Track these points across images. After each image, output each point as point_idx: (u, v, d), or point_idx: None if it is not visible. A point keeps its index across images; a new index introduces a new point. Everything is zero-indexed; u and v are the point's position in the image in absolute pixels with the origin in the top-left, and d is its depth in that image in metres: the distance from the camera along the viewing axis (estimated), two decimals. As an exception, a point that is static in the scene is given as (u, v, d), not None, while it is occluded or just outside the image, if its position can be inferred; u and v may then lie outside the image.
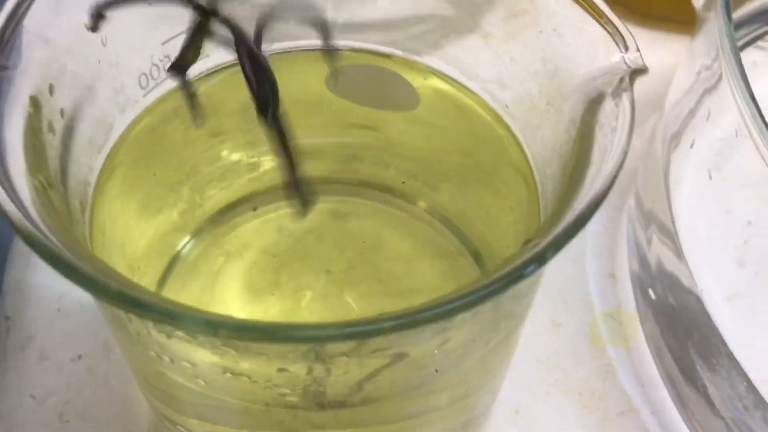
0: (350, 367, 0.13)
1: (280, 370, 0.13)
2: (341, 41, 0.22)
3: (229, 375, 0.14)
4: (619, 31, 0.17)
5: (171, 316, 0.11)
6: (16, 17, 0.15)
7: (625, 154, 0.13)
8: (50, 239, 0.12)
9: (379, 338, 0.12)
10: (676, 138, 0.29)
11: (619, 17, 0.17)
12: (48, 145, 0.15)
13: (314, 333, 0.11)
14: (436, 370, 0.15)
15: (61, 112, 0.16)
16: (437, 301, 0.11)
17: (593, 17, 0.17)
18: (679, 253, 0.25)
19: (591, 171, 0.14)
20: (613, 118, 0.14)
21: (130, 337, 0.15)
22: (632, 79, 0.15)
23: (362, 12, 0.22)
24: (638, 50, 0.16)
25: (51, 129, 0.15)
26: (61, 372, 0.26)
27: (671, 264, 0.26)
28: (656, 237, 0.27)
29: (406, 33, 0.22)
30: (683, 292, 0.26)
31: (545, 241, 0.12)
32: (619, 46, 0.16)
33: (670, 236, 0.26)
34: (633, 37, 0.17)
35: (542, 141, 0.18)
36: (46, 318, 0.27)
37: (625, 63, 0.16)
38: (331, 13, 0.22)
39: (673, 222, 0.26)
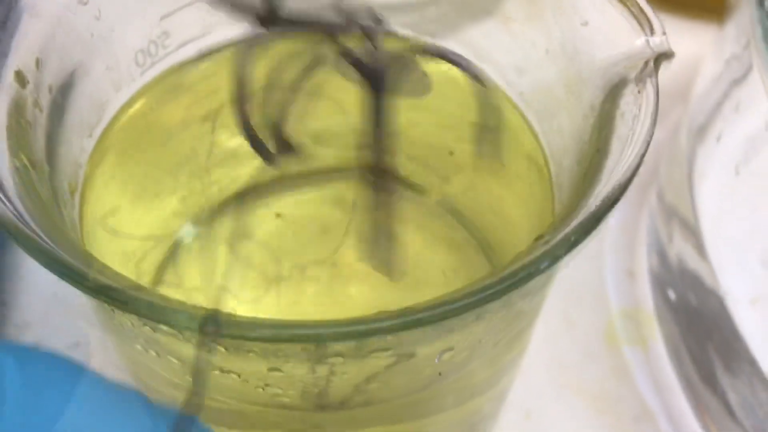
0: (349, 367, 0.13)
1: (272, 369, 0.12)
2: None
3: (217, 372, 0.13)
4: (644, 13, 0.15)
5: (153, 310, 0.10)
6: (1, -14, 0.14)
7: (647, 144, 0.12)
8: (27, 223, 0.11)
9: (379, 338, 0.11)
10: (702, 131, 0.27)
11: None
12: (34, 122, 0.14)
13: (305, 332, 0.10)
14: (440, 373, 0.14)
15: (49, 88, 0.15)
16: (442, 300, 0.11)
17: (617, -2, 0.16)
18: (701, 251, 0.24)
19: (609, 162, 0.13)
20: (635, 105, 0.13)
21: (116, 329, 0.14)
22: (657, 64, 0.14)
23: None
24: (664, 33, 0.15)
25: (37, 105, 0.14)
26: (57, 359, 0.25)
27: (693, 262, 0.25)
28: (678, 233, 0.26)
29: (421, 15, 0.21)
30: (705, 293, 0.25)
31: (557, 238, 0.11)
32: (643, 29, 0.15)
33: (693, 233, 0.25)
34: (659, 19, 0.15)
35: (559, 129, 0.17)
36: (43, 304, 0.26)
37: (650, 47, 0.15)
38: None
39: (696, 218, 0.25)
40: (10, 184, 0.12)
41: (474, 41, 0.20)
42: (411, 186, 0.24)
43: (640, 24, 0.15)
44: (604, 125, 0.14)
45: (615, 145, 0.13)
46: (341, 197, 0.24)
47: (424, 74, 0.21)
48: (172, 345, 0.13)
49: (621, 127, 0.13)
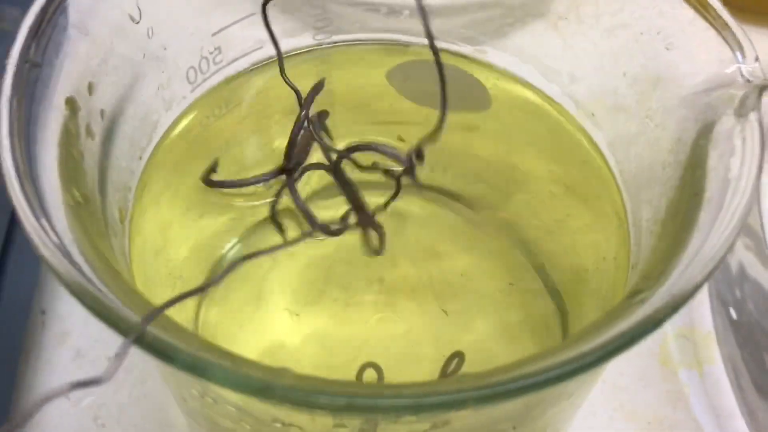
0: (418, 425, 0.12)
1: (337, 425, 0.12)
2: (407, 36, 0.20)
3: (279, 425, 0.12)
4: (735, 36, 0.14)
5: (198, 368, 0.10)
6: (53, 5, 0.13)
7: (755, 192, 0.11)
8: (84, 273, 0.11)
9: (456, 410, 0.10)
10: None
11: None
12: (86, 151, 0.13)
13: (366, 402, 0.10)
14: (514, 428, 0.13)
15: (101, 114, 0.14)
16: (527, 372, 0.10)
17: (706, 20, 0.14)
18: (764, 259, 0.23)
19: (709, 210, 0.11)
20: (736, 143, 0.12)
21: (171, 374, 0.14)
22: (760, 96, 0.13)
23: None
24: (757, 60, 0.14)
25: (90, 133, 0.14)
26: (97, 371, 0.24)
27: (755, 270, 0.24)
28: (740, 240, 0.25)
29: (470, 20, 0.20)
30: (765, 301, 0.23)
31: (659, 299, 0.10)
32: (734, 53, 0.14)
33: (757, 240, 0.24)
34: (752, 44, 0.14)
35: (636, 159, 0.16)
36: (83, 313, 0.25)
37: (742, 75, 0.14)
38: None
39: (762, 225, 0.24)
40: (63, 225, 0.11)
41: (537, 56, 0.19)
42: (462, 200, 0.23)
43: (731, 47, 0.14)
44: (697, 164, 0.13)
45: (712, 189, 0.12)
46: (388, 212, 0.23)
47: (485, 89, 0.20)
48: (229, 394, 0.12)
49: (718, 168, 0.12)
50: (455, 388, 0.10)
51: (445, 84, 0.12)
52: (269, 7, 0.18)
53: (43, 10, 0.13)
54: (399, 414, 0.10)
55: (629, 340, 0.10)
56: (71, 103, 0.13)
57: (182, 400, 0.15)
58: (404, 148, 0.20)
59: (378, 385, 0.10)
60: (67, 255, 0.11)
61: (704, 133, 0.13)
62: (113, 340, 0.26)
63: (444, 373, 0.19)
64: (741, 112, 0.12)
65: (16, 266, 0.23)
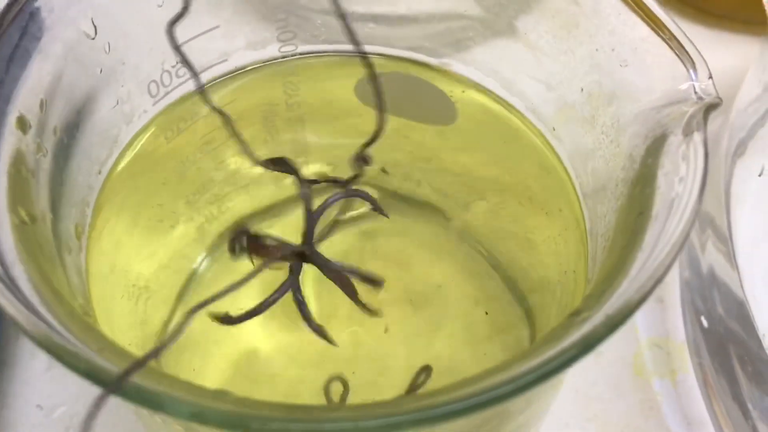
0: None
1: None
2: (372, 46, 0.20)
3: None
4: (688, 54, 0.14)
5: (152, 402, 0.10)
6: (3, 24, 0.13)
7: (695, 213, 0.11)
8: (29, 304, 0.11)
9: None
10: (742, 145, 0.26)
11: (681, 15, 0.15)
12: (37, 169, 0.13)
13: (300, 427, 0.10)
14: None
15: (54, 130, 0.14)
16: (475, 389, 0.10)
17: (660, 36, 0.14)
18: (732, 261, 0.23)
19: (653, 229, 0.12)
20: (681, 163, 0.12)
21: (150, 421, 0.13)
22: (706, 116, 0.13)
23: (380, 6, 0.20)
24: (711, 77, 0.14)
25: (40, 150, 0.14)
26: (68, 382, 0.25)
27: (724, 272, 0.24)
28: (711, 243, 0.25)
29: (430, 30, 0.20)
30: (735, 304, 0.24)
31: (597, 318, 0.10)
32: (688, 72, 0.14)
33: (725, 243, 0.24)
34: (705, 61, 0.14)
35: (593, 173, 0.16)
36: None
37: (695, 92, 0.14)
38: (350, 4, 0.19)
39: (730, 230, 0.24)
40: (9, 246, 0.11)
41: (498, 69, 0.19)
42: (432, 211, 0.23)
43: (684, 64, 0.14)
44: (646, 182, 0.13)
45: (657, 207, 0.12)
46: (356, 224, 0.23)
47: (452, 103, 0.20)
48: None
49: (664, 188, 0.12)
50: (391, 411, 0.10)
51: (380, 92, 0.12)
52: (234, 18, 0.19)
53: (-5, 28, 0.13)
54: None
55: (561, 364, 0.10)
56: (21, 123, 0.13)
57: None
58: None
59: (318, 407, 0.10)
60: (11, 284, 0.11)
61: (653, 151, 0.13)
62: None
63: (412, 388, 0.19)
64: (687, 131, 0.12)
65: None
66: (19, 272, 0.11)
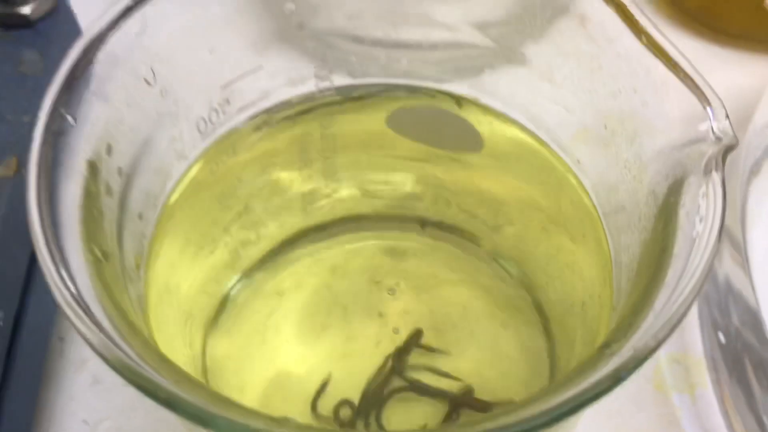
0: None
1: None
2: (402, 80, 0.21)
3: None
4: (706, 96, 0.15)
5: (204, 419, 0.11)
6: (74, 75, 0.15)
7: (713, 253, 0.12)
8: (107, 332, 0.12)
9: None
10: (757, 164, 0.27)
11: (696, 35, 0.16)
12: (105, 209, 0.15)
13: None
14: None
15: (119, 171, 0.15)
16: (511, 420, 0.11)
17: (680, 79, 0.15)
18: (747, 271, 0.24)
19: (675, 267, 0.13)
20: (701, 202, 0.13)
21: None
22: (724, 158, 0.14)
23: (396, 33, 0.21)
24: (728, 118, 0.15)
25: (109, 192, 0.15)
26: (113, 397, 0.26)
27: (739, 282, 0.25)
28: (728, 254, 0.26)
29: (451, 61, 0.21)
30: (750, 314, 0.24)
31: (625, 352, 0.11)
32: (706, 112, 0.15)
33: (740, 252, 0.25)
34: (722, 103, 0.15)
35: (617, 205, 0.17)
36: (100, 341, 0.26)
37: (713, 132, 0.15)
38: (365, 31, 0.21)
39: (744, 246, 0.25)
40: (85, 281, 0.13)
41: (524, 103, 0.20)
42: (461, 234, 0.24)
43: (702, 105, 0.15)
44: (668, 220, 0.14)
45: (680, 245, 0.13)
46: (392, 246, 0.24)
47: (477, 132, 0.21)
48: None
49: (686, 226, 0.13)
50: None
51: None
52: (275, 57, 0.20)
53: (66, 80, 0.14)
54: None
55: (594, 396, 0.11)
56: (92, 166, 0.14)
57: None
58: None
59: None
60: (86, 310, 0.12)
61: (674, 190, 0.14)
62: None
63: (449, 416, 0.20)
64: (706, 171, 0.13)
65: (36, 295, 0.24)
66: (97, 308, 0.12)
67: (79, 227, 0.13)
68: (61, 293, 0.12)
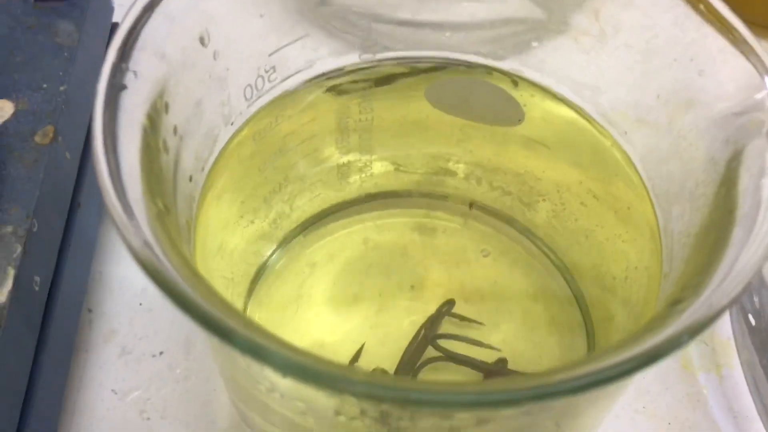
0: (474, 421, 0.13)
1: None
2: (440, 52, 0.21)
3: (342, 418, 0.13)
4: (764, 64, 0.15)
5: (259, 353, 0.11)
6: (134, 33, 0.15)
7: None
8: (171, 274, 0.12)
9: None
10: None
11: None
12: (164, 165, 0.15)
13: (420, 397, 0.11)
14: (557, 425, 0.14)
15: (174, 130, 0.15)
16: (568, 376, 0.11)
17: (736, 47, 0.15)
18: None
19: (742, 227, 0.13)
20: (766, 165, 0.13)
21: (239, 368, 0.15)
22: (787, 123, 0.14)
23: (446, 13, 0.21)
24: (786, 86, 0.15)
25: (165, 148, 0.15)
26: (142, 368, 0.26)
27: None
28: None
29: (497, 35, 0.21)
30: None
31: (697, 308, 0.11)
32: (764, 81, 0.15)
33: None
34: (780, 70, 0.15)
35: (668, 175, 0.17)
36: (129, 312, 0.27)
37: (771, 99, 0.15)
38: (412, 13, 0.21)
39: None
40: (150, 236, 0.13)
41: (570, 76, 0.20)
42: (491, 211, 0.24)
43: (759, 74, 0.15)
44: (732, 184, 0.14)
45: (748, 207, 0.13)
46: (422, 222, 0.24)
47: (518, 104, 0.21)
48: (298, 390, 0.14)
49: (750, 187, 0.13)
50: (510, 387, 0.11)
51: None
52: (318, 31, 0.20)
53: (126, 38, 0.14)
54: (464, 408, 0.11)
55: (675, 345, 0.11)
56: (151, 120, 0.14)
57: (243, 393, 0.16)
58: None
59: (439, 383, 0.11)
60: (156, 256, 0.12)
61: (736, 155, 0.14)
62: (158, 337, 0.27)
63: (487, 376, 0.20)
64: (769, 136, 0.14)
65: (69, 264, 0.24)
66: (164, 260, 0.12)
67: (141, 180, 0.13)
68: (133, 243, 0.12)
